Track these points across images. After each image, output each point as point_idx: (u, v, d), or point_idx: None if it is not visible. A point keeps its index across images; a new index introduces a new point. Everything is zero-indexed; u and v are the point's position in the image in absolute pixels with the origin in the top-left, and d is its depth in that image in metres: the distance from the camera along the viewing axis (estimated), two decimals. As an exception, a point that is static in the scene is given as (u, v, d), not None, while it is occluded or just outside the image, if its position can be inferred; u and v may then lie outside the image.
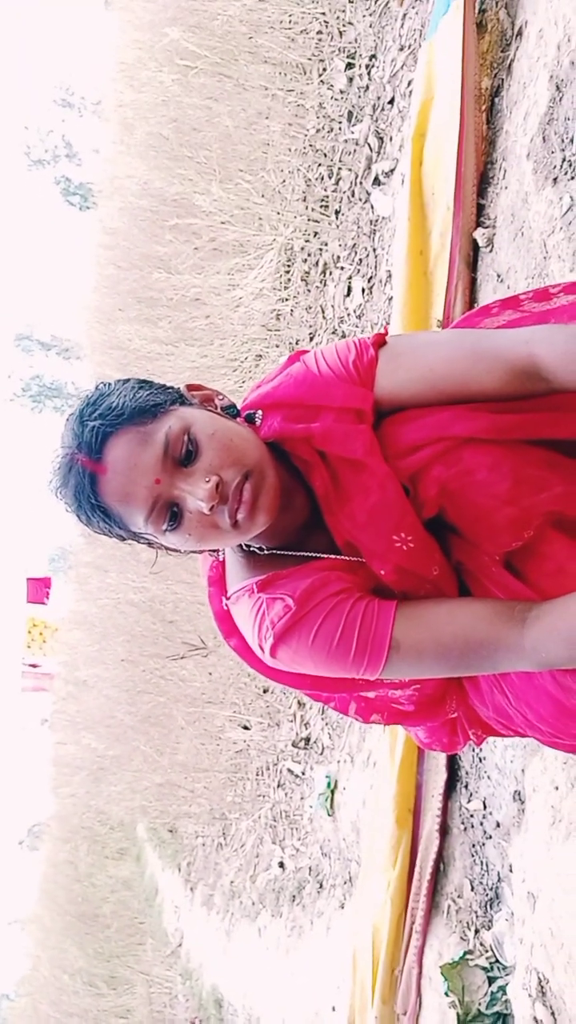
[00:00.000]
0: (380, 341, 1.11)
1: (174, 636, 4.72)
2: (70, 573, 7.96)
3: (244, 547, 1.15)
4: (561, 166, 1.77)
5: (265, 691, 4.34)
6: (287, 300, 3.99)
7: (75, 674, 6.07)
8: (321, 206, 3.78)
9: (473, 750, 2.22)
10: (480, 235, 2.21)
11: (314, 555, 1.14)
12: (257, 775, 4.31)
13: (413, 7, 2.90)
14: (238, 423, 1.10)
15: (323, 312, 3.72)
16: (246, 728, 4.48)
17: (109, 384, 1.08)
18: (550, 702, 1.09)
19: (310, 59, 3.75)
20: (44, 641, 12.91)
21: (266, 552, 1.14)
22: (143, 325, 4.88)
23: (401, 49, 2.98)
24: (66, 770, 6.75)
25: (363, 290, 3.36)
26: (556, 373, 1.02)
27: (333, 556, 1.13)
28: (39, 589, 13.06)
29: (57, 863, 8.35)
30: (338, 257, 3.61)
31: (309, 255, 3.88)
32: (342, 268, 3.58)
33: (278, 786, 4.04)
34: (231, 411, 1.11)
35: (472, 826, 2.19)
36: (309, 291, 3.88)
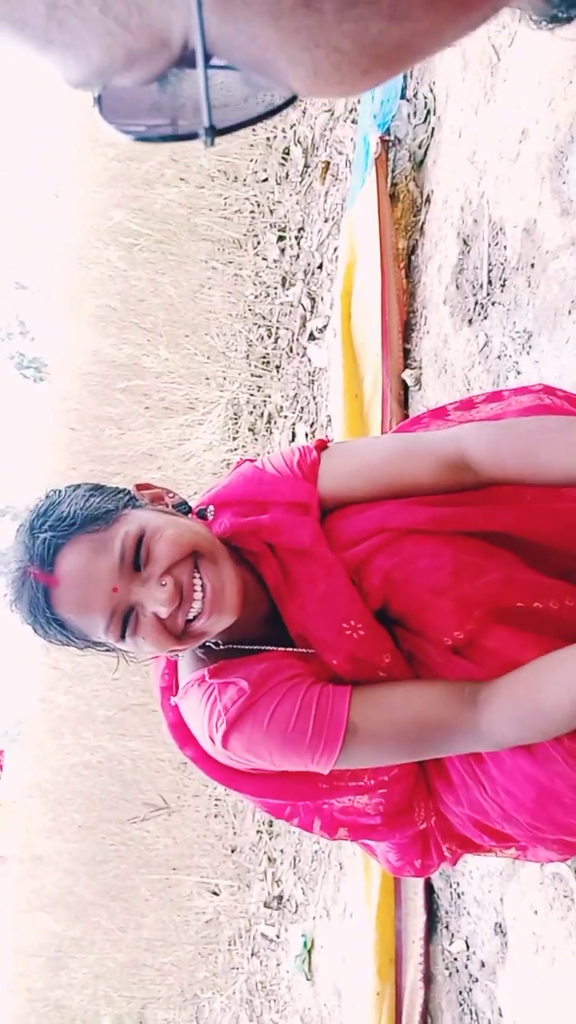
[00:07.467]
0: (322, 445, 1.18)
1: (134, 797, 4.51)
2: (23, 740, 7.63)
3: None
4: (474, 308, 1.94)
5: (233, 850, 4.12)
6: (236, 450, 4.15)
7: (30, 850, 5.70)
8: (263, 362, 4.01)
9: (451, 887, 2.13)
10: (408, 375, 2.37)
11: (267, 648, 1.15)
12: (229, 945, 4.02)
13: (333, 185, 3.23)
14: (190, 519, 1.13)
15: (270, 458, 3.87)
16: (215, 894, 4.22)
17: (60, 491, 1.08)
18: (530, 785, 1.08)
19: (245, 234, 4.10)
20: (-2, 819, 12.15)
21: (222, 647, 1.15)
22: (97, 481, 4.97)
23: (326, 221, 3.29)
24: (21, 958, 6.18)
25: (306, 435, 3.52)
26: (483, 464, 1.10)
27: (286, 648, 1.15)
28: (-8, 764, 12.43)
29: (12, 1077, 7.45)
30: (281, 407, 3.80)
31: (255, 407, 4.07)
32: (286, 417, 3.76)
33: (252, 955, 3.77)
34: (182, 508, 1.13)
35: (457, 970, 2.07)
36: (256, 440, 4.05)
